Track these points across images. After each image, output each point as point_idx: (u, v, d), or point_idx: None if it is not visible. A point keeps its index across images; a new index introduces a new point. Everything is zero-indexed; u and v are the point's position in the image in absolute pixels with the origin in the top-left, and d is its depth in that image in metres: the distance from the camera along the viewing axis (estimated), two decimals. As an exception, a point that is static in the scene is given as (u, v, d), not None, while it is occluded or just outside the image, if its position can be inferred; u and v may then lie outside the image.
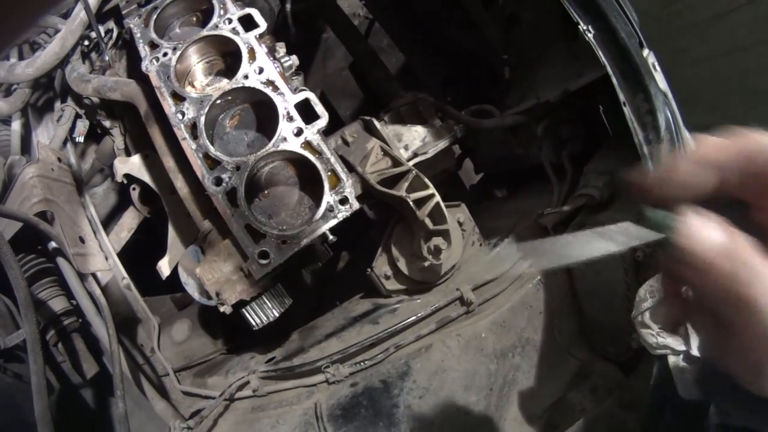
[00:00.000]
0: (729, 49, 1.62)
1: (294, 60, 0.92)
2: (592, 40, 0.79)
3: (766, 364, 0.30)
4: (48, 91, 1.18)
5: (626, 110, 0.80)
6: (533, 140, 1.06)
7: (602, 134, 1.08)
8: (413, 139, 0.98)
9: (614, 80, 0.80)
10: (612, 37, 0.79)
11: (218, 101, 0.86)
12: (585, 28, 0.79)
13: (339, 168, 0.80)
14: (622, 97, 0.79)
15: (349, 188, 0.79)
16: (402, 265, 0.87)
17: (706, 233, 0.30)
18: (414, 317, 0.89)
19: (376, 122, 0.91)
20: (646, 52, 0.81)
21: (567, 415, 0.90)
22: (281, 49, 0.93)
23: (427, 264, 0.86)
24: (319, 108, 0.82)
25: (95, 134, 1.18)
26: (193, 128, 0.84)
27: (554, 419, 0.91)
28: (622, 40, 0.78)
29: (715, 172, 0.31)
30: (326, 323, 0.99)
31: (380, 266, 0.91)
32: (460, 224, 0.97)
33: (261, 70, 0.86)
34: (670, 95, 0.82)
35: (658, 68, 0.82)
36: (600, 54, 0.79)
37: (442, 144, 0.98)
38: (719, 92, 1.70)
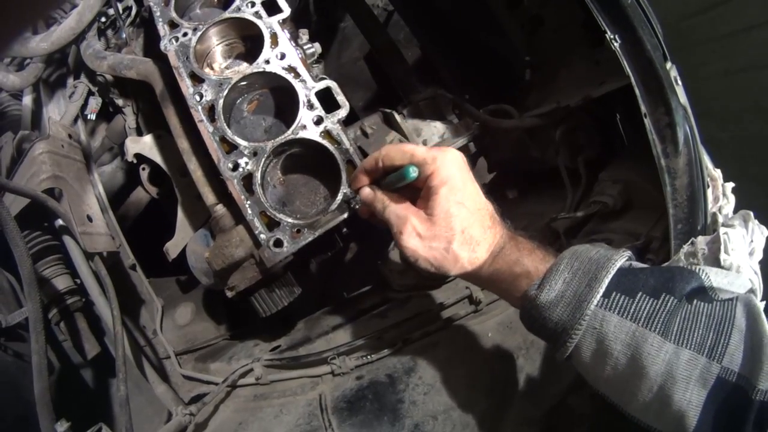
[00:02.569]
0: (745, 66, 1.62)
1: (317, 47, 0.91)
2: (618, 49, 0.78)
3: (394, 234, 0.68)
4: (61, 67, 1.16)
5: (647, 122, 0.79)
6: (550, 144, 1.06)
7: (617, 142, 1.08)
8: (432, 135, 0.97)
9: (637, 91, 0.79)
10: (638, 49, 0.78)
11: (238, 84, 0.85)
12: (612, 37, 0.78)
13: (357, 159, 0.79)
14: (643, 108, 0.79)
15: (367, 181, 0.79)
16: (413, 260, 0.87)
17: (367, 192, 0.72)
18: (422, 313, 0.89)
19: (396, 115, 0.90)
20: (669, 65, 0.81)
21: (565, 419, 0.91)
22: (304, 35, 0.92)
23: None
24: (341, 97, 0.82)
25: (106, 112, 1.17)
26: (210, 111, 0.84)
27: (552, 422, 0.92)
28: (647, 51, 0.78)
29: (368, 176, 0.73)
30: (333, 314, 0.99)
31: (392, 260, 0.91)
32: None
33: (283, 56, 0.85)
34: (689, 110, 0.82)
35: (679, 82, 0.82)
36: (625, 64, 0.79)
37: (461, 141, 0.98)
38: (733, 108, 1.70)
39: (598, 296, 0.57)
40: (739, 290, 0.58)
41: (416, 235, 0.65)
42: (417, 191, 0.69)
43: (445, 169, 0.65)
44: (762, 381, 0.50)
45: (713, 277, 0.58)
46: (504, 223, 0.69)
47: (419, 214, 0.67)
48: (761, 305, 0.65)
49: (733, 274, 0.60)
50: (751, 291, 0.62)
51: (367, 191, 0.72)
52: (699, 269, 0.59)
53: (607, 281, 0.57)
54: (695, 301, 0.56)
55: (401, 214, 0.67)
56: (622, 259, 0.60)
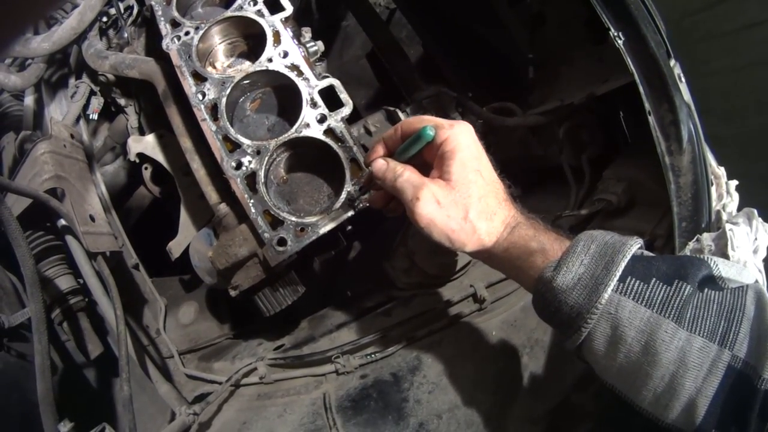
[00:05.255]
0: (749, 63, 1.62)
1: (319, 45, 0.91)
2: (622, 47, 0.78)
3: (408, 202, 0.64)
4: (63, 67, 1.16)
5: (651, 119, 0.79)
6: (553, 141, 1.06)
7: (621, 140, 1.08)
8: (435, 133, 0.97)
9: (641, 89, 0.79)
10: (641, 46, 0.78)
11: (240, 83, 0.85)
12: (615, 34, 0.78)
13: (361, 157, 0.79)
14: (647, 106, 0.79)
15: (371, 178, 0.78)
16: (418, 258, 0.87)
17: (380, 163, 0.69)
18: (427, 311, 0.89)
19: (399, 113, 0.90)
20: (672, 62, 0.80)
21: (569, 417, 0.91)
22: (307, 34, 0.92)
23: (442, 259, 0.86)
24: (344, 95, 0.82)
25: (108, 112, 1.16)
26: (213, 109, 0.83)
27: (557, 421, 0.92)
28: (651, 48, 0.77)
29: (385, 147, 0.72)
30: (337, 313, 0.99)
31: (396, 258, 0.90)
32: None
33: (286, 54, 0.85)
34: (693, 107, 0.81)
35: (683, 79, 0.82)
36: (628, 61, 0.78)
37: (464, 140, 0.97)
38: (736, 105, 1.70)
39: (615, 280, 0.56)
40: (747, 281, 0.57)
41: (435, 202, 0.62)
42: (428, 168, 0.68)
43: (462, 137, 0.64)
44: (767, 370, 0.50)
45: (722, 267, 0.58)
46: (515, 203, 0.67)
47: (436, 181, 0.64)
48: None
49: (740, 266, 0.60)
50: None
51: (380, 162, 0.69)
52: (708, 258, 0.58)
53: (623, 265, 0.57)
54: (706, 290, 0.56)
55: (416, 181, 0.64)
56: (636, 245, 0.59)
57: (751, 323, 0.53)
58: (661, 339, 0.53)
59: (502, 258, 0.65)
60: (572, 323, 0.58)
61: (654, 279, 0.56)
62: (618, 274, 0.56)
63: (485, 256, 0.67)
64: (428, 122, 0.65)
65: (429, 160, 0.68)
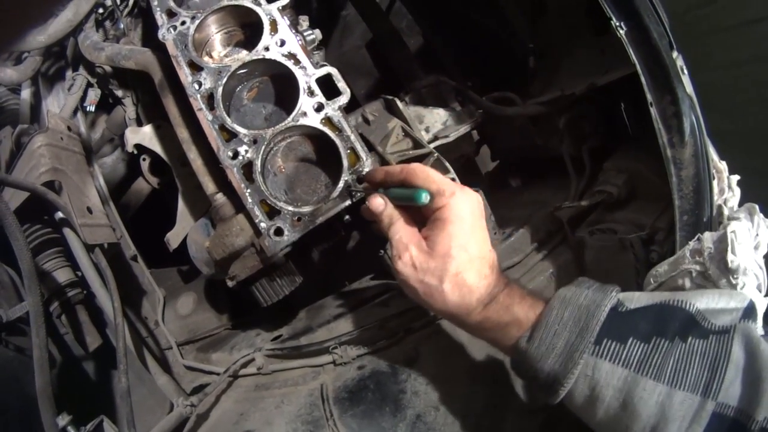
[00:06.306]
0: (751, 58, 1.60)
1: (317, 34, 0.90)
2: (624, 37, 0.77)
3: (396, 255, 0.66)
4: (59, 60, 1.16)
5: (652, 111, 0.78)
6: (554, 132, 1.05)
7: (622, 132, 1.07)
8: (434, 122, 0.96)
9: (643, 80, 0.77)
10: (644, 36, 0.76)
11: (237, 72, 0.84)
12: (617, 24, 0.77)
13: (359, 146, 0.79)
14: (649, 97, 0.77)
15: (369, 167, 0.78)
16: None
17: (379, 202, 0.69)
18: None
19: (398, 102, 0.89)
20: (675, 54, 0.79)
21: (568, 409, 0.90)
22: (304, 22, 0.91)
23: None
24: (342, 84, 0.81)
25: (106, 104, 1.16)
26: (209, 99, 0.83)
27: (555, 413, 0.91)
28: (653, 39, 0.76)
29: (383, 178, 0.71)
30: (335, 303, 0.99)
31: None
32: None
33: (283, 43, 0.84)
34: (695, 100, 0.80)
35: (685, 71, 0.80)
36: (630, 52, 0.77)
37: (464, 129, 0.97)
38: (737, 101, 1.69)
39: (590, 345, 0.57)
40: (739, 305, 0.58)
41: (411, 266, 0.65)
42: (422, 214, 0.68)
43: (458, 208, 0.64)
44: (760, 413, 0.50)
45: (708, 301, 0.58)
46: (501, 273, 0.68)
47: (420, 245, 0.66)
48: (761, 331, 0.63)
49: (729, 295, 0.60)
50: (751, 305, 0.61)
51: (378, 201, 0.69)
52: (683, 302, 0.59)
53: (597, 329, 0.57)
54: (690, 339, 0.56)
55: (404, 239, 0.66)
56: (611, 302, 0.60)
57: (739, 368, 0.53)
58: (639, 396, 0.54)
59: (475, 329, 0.67)
60: (550, 387, 0.60)
61: (631, 338, 0.56)
62: (592, 340, 0.57)
63: (455, 322, 0.69)
64: (431, 185, 0.64)
65: (427, 214, 0.68)
